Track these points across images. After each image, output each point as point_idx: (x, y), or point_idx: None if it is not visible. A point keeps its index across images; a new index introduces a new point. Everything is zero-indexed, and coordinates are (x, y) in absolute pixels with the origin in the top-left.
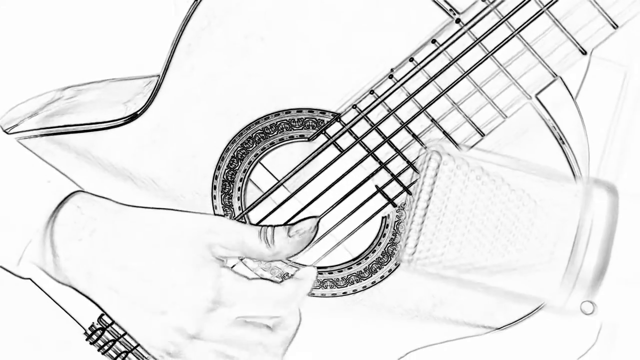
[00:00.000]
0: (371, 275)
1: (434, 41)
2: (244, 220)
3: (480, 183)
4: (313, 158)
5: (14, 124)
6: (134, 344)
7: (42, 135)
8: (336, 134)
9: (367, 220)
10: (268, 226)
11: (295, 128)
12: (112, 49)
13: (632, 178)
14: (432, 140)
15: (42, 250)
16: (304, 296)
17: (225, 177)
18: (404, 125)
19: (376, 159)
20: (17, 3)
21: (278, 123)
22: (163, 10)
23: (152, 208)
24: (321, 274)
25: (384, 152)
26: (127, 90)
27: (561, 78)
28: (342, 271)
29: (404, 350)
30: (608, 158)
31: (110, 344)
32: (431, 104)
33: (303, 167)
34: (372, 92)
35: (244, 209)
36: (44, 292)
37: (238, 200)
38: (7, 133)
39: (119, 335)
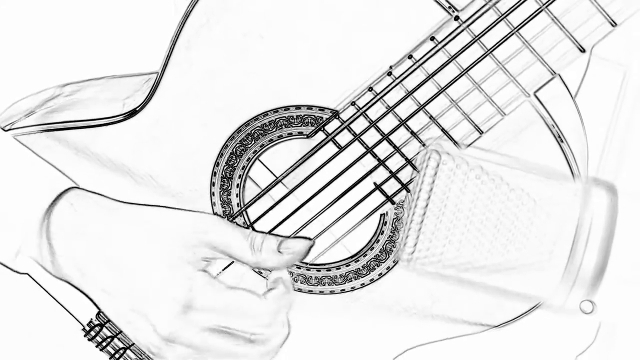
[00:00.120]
0: (369, 273)
1: (432, 38)
2: (244, 217)
3: (480, 182)
4: (311, 155)
5: (13, 121)
6: (131, 341)
7: (41, 132)
8: (334, 131)
9: (365, 218)
10: (259, 232)
11: (293, 125)
12: (112, 46)
13: (631, 177)
14: (430, 138)
15: (39, 246)
16: (286, 310)
17: (223, 173)
18: (403, 122)
19: (375, 156)
20: (17, 0)
21: (277, 120)
22: (163, 8)
23: (147, 205)
24: (319, 271)
25: (383, 150)
26: (126, 87)
27: (560, 76)
28: (340, 268)
29: (402, 348)
30: (607, 157)
31: (109, 340)
32: (430, 101)
33: (301, 164)
34: (370, 89)
35: (242, 206)
36: (42, 287)
37: (236, 197)
38: (5, 130)
39: (117, 332)
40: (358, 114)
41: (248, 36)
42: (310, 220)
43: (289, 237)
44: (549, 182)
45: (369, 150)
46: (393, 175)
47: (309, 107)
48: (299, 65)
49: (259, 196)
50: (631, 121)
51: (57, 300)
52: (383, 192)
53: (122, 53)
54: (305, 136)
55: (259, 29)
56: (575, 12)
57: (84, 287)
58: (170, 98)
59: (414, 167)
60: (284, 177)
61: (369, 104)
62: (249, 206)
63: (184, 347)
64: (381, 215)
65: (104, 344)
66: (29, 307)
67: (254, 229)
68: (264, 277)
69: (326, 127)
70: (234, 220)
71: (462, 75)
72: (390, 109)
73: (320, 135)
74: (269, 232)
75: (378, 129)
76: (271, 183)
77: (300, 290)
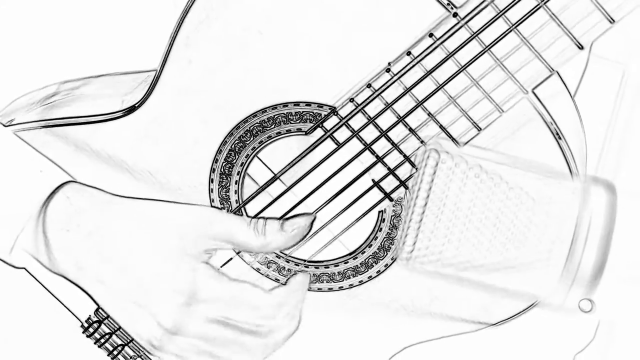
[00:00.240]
0: (367, 270)
1: (431, 35)
2: (240, 214)
3: (479, 181)
4: (310, 152)
5: (13, 117)
6: (131, 337)
7: (41, 128)
8: (333, 127)
9: (363, 215)
10: (260, 218)
11: (292, 121)
12: (111, 43)
13: (630, 176)
14: (429, 135)
15: (35, 240)
16: (296, 306)
17: (222, 170)
18: (401, 119)
19: (373, 152)
20: None
21: (275, 116)
22: (162, 5)
23: (142, 199)
24: (317, 268)
25: (381, 146)
26: (125, 84)
27: (558, 73)
28: (338, 265)
29: (400, 346)
30: (606, 156)
31: (107, 337)
32: (428, 98)
33: (299, 160)
34: (369, 85)
35: (241, 202)
36: (40, 283)
37: (235, 193)
38: (5, 126)
39: (116, 328)
40: (356, 110)
41: (247, 33)
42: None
43: (288, 217)
44: (547, 180)
45: (368, 147)
46: (391, 172)
47: (308, 104)
48: (298, 62)
49: (257, 193)
50: (630, 120)
51: (54, 296)
52: (381, 189)
53: (121, 50)
54: (304, 133)
55: (258, 25)
56: (573, 9)
57: (81, 281)
58: (169, 94)
59: (412, 164)
60: (282, 174)
61: (367, 101)
62: (247, 202)
63: (185, 340)
64: (379, 212)
65: (102, 340)
66: (27, 303)
67: None
68: (262, 274)
69: (325, 124)
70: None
71: (460, 72)
72: (388, 106)
73: (319, 132)
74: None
75: (376, 126)
76: (269, 180)
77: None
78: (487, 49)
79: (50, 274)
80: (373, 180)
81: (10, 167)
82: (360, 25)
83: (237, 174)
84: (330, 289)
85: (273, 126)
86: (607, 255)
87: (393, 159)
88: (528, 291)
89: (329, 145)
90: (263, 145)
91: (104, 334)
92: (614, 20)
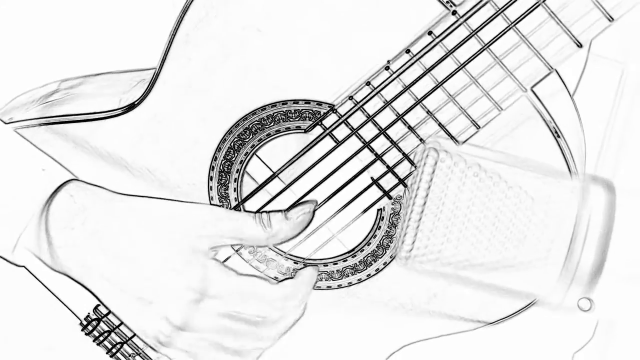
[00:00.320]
0: (366, 268)
1: (430, 33)
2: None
3: (478, 180)
4: (308, 149)
5: (12, 115)
6: (129, 335)
7: (40, 125)
8: (332, 125)
9: (362, 212)
10: (263, 211)
11: (291, 119)
12: (111, 42)
13: (629, 174)
14: (428, 133)
15: (37, 238)
16: (303, 298)
17: (221, 167)
18: (400, 117)
19: (372, 150)
20: None
21: (274, 114)
22: (161, 4)
23: (146, 197)
24: (316, 266)
25: (380, 144)
26: (125, 82)
27: (557, 71)
28: (337, 264)
29: (399, 345)
30: (605, 155)
31: (106, 334)
32: (427, 95)
33: (298, 158)
34: (368, 83)
35: (240, 200)
36: (39, 281)
37: (234, 191)
38: (6, 123)
39: (115, 326)
40: (355, 108)
41: (246, 30)
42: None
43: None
44: (546, 179)
45: (366, 144)
46: (390, 169)
47: (307, 102)
48: (297, 60)
49: (255, 191)
50: (629, 119)
51: (54, 294)
52: (380, 187)
53: (121, 49)
54: (303, 131)
55: (258, 23)
56: (572, 7)
57: (85, 279)
58: (169, 92)
59: (411, 162)
60: (281, 172)
61: (366, 99)
62: (246, 200)
63: (197, 334)
64: (378, 210)
65: (101, 338)
66: (26, 301)
67: None
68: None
69: (324, 122)
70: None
71: (459, 70)
72: (387, 104)
73: (318, 130)
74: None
75: (375, 124)
76: (268, 178)
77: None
78: (486, 46)
79: (50, 272)
80: (372, 178)
81: (12, 165)
82: (360, 23)
83: (236, 172)
84: (329, 287)
85: (272, 124)
86: (606, 254)
87: (392, 157)
88: (527, 290)
89: (328, 143)
90: (262, 143)
91: (102, 331)
92: (612, 19)
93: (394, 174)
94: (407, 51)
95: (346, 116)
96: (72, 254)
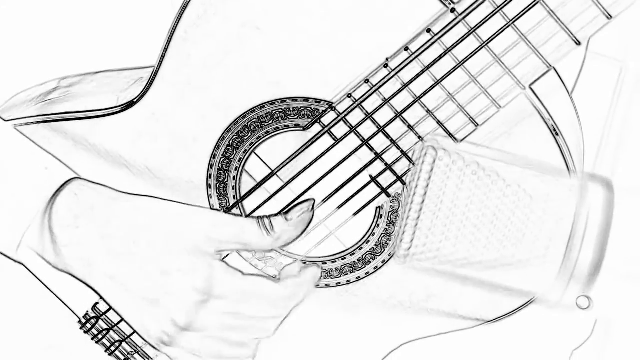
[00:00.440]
0: (365, 266)
1: (429, 30)
2: (239, 209)
3: (476, 178)
4: (307, 147)
5: (12, 113)
6: (128, 333)
7: (40, 123)
8: (330, 123)
9: (360, 210)
10: (264, 216)
11: (290, 117)
12: (110, 39)
13: (627, 172)
14: (426, 130)
15: (41, 237)
16: (304, 297)
17: (220, 165)
18: (399, 114)
19: (371, 148)
20: None
21: (273, 112)
22: (160, 1)
23: (151, 197)
24: (315, 264)
25: (379, 142)
26: (124, 80)
27: (555, 69)
28: (335, 262)
29: (397, 343)
30: (604, 153)
31: (105, 332)
32: (425, 93)
33: (297, 156)
34: (367, 81)
35: (238, 198)
36: (38, 279)
37: (233, 189)
38: (5, 121)
39: (113, 324)
40: (354, 106)
41: (246, 28)
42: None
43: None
44: (545, 178)
45: (365, 142)
46: (388, 167)
47: (306, 99)
48: (296, 57)
49: (254, 189)
50: (628, 117)
51: (53, 293)
52: (379, 185)
53: (119, 47)
54: (302, 129)
55: (256, 20)
56: (570, 5)
57: (89, 277)
58: (167, 90)
59: (410, 160)
60: (279, 170)
61: (365, 96)
62: (244, 199)
63: (197, 335)
64: (377, 208)
65: (99, 336)
66: (25, 299)
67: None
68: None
69: (322, 120)
70: (231, 212)
71: (457, 68)
72: (386, 102)
73: (317, 128)
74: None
75: (374, 121)
76: (267, 176)
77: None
78: (484, 44)
79: (50, 271)
80: (370, 175)
81: (14, 163)
82: (358, 20)
83: (235, 170)
84: (327, 285)
85: (271, 122)
86: (604, 252)
87: (390, 155)
88: (525, 288)
89: (326, 141)
90: (261, 141)
91: (101, 329)
92: (611, 16)
93: (393, 171)
94: (406, 49)
95: (345, 114)
96: (77, 253)
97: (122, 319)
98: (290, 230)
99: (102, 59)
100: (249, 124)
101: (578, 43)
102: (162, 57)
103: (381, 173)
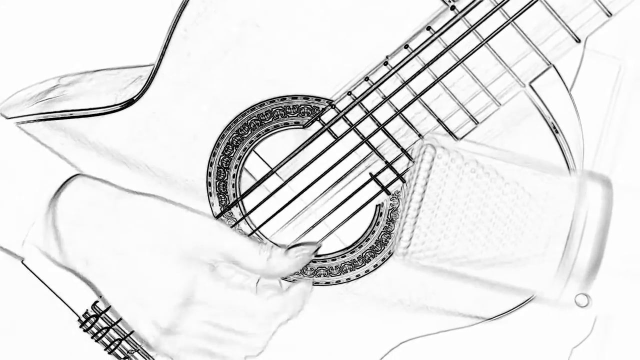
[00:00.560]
0: (365, 264)
1: (428, 28)
2: (239, 207)
3: (475, 176)
4: (307, 145)
5: (12, 110)
6: (127, 332)
7: (40, 120)
8: (330, 120)
9: (360, 208)
10: (267, 243)
11: (290, 115)
12: (110, 38)
13: (626, 170)
14: (426, 128)
15: (45, 234)
16: (293, 313)
17: (220, 163)
18: (399, 112)
19: (370, 146)
20: None
21: (273, 110)
22: (160, 2)
23: (155, 196)
24: (315, 262)
25: (379, 140)
26: (123, 79)
27: (555, 67)
28: (335, 260)
29: (397, 341)
30: (603, 151)
31: (104, 331)
32: (425, 91)
33: (297, 154)
34: (367, 79)
35: (238, 196)
36: (37, 277)
37: (232, 187)
38: (7, 118)
39: (113, 323)
40: (354, 103)
41: (245, 26)
42: (302, 211)
43: (292, 245)
44: (544, 176)
45: (365, 140)
46: (388, 165)
47: (305, 97)
48: (296, 55)
49: (253, 187)
50: (627, 115)
51: (52, 291)
52: (378, 183)
53: (119, 45)
54: (302, 126)
55: (256, 18)
56: (570, 2)
57: (88, 276)
58: (167, 88)
59: (410, 157)
60: (279, 168)
61: (364, 94)
62: (244, 197)
63: (184, 338)
64: (376, 206)
65: (99, 334)
66: (24, 298)
67: (250, 220)
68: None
69: (322, 117)
70: (230, 210)
71: (457, 65)
72: (386, 99)
73: (317, 125)
74: (264, 223)
75: (374, 119)
76: (267, 174)
77: (295, 282)
78: (484, 42)
79: (50, 269)
80: (370, 173)
81: (17, 161)
82: (358, 18)
83: (235, 168)
84: (327, 283)
85: (271, 119)
86: (603, 250)
87: (391, 153)
88: (525, 286)
89: (326, 138)
90: (260, 139)
91: (101, 328)
92: (611, 14)
93: (392, 169)
94: (406, 46)
95: (345, 112)
96: (78, 250)
97: (121, 318)
98: (284, 264)
99: (101, 57)
100: (249, 122)
101: (578, 40)
102: (162, 55)
103: (381, 171)
